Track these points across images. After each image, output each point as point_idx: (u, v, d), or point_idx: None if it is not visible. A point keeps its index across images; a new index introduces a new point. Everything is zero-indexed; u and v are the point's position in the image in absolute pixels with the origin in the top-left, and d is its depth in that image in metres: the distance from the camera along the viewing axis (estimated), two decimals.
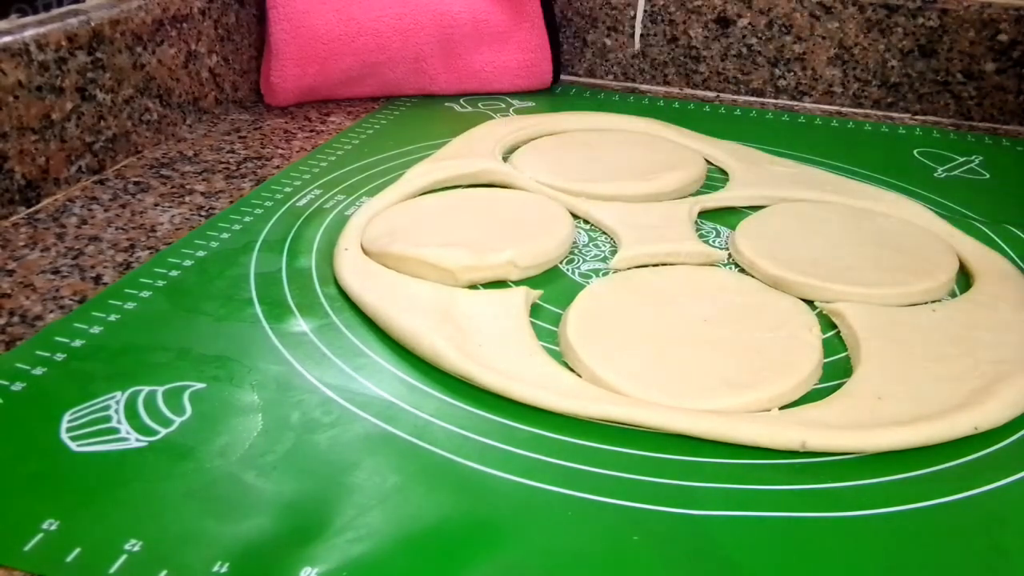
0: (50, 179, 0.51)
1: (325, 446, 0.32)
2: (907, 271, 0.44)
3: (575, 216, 0.51)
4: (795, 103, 0.75)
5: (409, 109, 0.69)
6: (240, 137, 0.62)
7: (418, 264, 0.43)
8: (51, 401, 0.34)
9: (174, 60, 0.60)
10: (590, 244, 0.48)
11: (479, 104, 0.70)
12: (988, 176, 0.60)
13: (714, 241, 0.49)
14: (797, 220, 0.49)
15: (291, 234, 0.48)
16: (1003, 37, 0.69)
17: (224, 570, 0.27)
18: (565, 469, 0.32)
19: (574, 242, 0.48)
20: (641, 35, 0.76)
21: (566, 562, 0.28)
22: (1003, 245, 0.50)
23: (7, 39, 0.47)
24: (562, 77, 0.78)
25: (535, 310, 0.42)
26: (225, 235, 0.47)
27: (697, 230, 0.50)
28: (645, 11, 0.75)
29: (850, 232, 0.48)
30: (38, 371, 0.36)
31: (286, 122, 0.65)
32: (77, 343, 0.38)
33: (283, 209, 0.51)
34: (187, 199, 0.52)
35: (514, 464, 0.32)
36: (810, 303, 0.43)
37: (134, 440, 0.32)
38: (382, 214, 0.48)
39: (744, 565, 0.28)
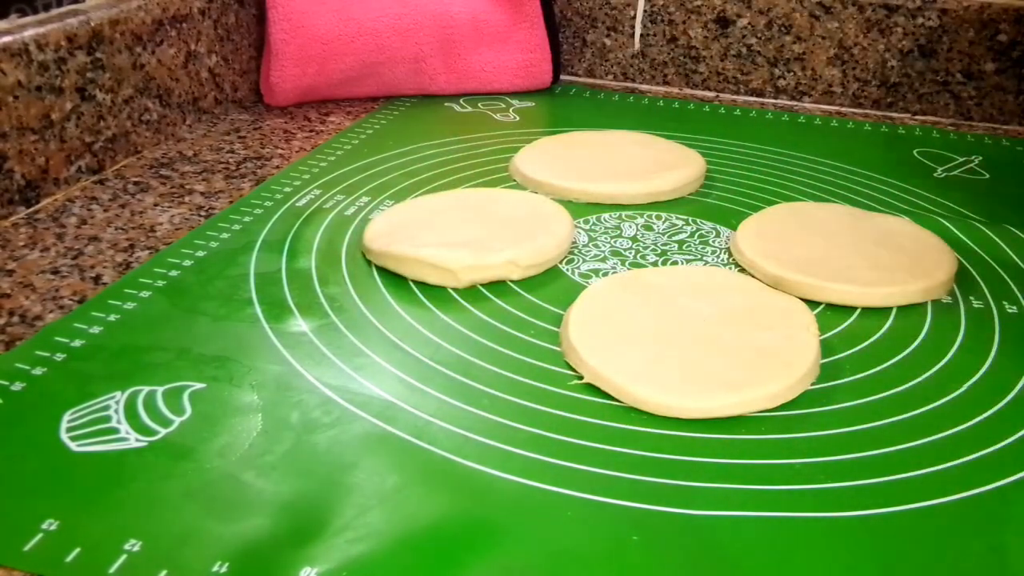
0: (50, 179, 0.51)
1: (325, 446, 0.32)
2: (906, 271, 0.44)
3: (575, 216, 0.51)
4: (795, 103, 0.75)
5: (409, 109, 0.68)
6: (240, 137, 0.62)
7: (419, 265, 0.43)
8: (51, 401, 0.34)
9: (174, 60, 0.60)
10: (590, 244, 0.48)
11: (479, 104, 0.70)
12: (988, 176, 0.60)
13: (714, 241, 0.49)
14: (797, 220, 0.49)
15: (291, 234, 0.48)
16: (1003, 37, 0.69)
17: (224, 570, 0.27)
18: (565, 469, 0.32)
19: (574, 242, 0.48)
20: (641, 35, 0.76)
21: (566, 562, 0.28)
22: (1003, 245, 0.50)
23: (7, 39, 0.47)
24: (562, 77, 0.78)
25: (536, 310, 0.42)
26: (225, 235, 0.47)
27: (697, 230, 0.50)
28: (645, 11, 0.75)
29: (850, 232, 0.48)
30: (38, 371, 0.36)
31: (286, 122, 0.65)
32: (77, 343, 0.38)
33: (283, 209, 0.51)
34: (187, 199, 0.52)
35: (514, 464, 0.32)
36: (810, 303, 0.43)
37: (134, 440, 0.32)
38: (383, 214, 0.48)
39: (744, 565, 0.28)
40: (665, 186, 0.54)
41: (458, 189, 0.52)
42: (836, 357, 0.39)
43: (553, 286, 0.44)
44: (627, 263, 0.46)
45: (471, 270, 0.43)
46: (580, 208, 0.52)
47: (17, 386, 0.35)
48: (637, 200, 0.53)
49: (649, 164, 0.56)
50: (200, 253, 0.45)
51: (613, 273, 0.45)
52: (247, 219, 0.49)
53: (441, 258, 0.43)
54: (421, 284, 0.44)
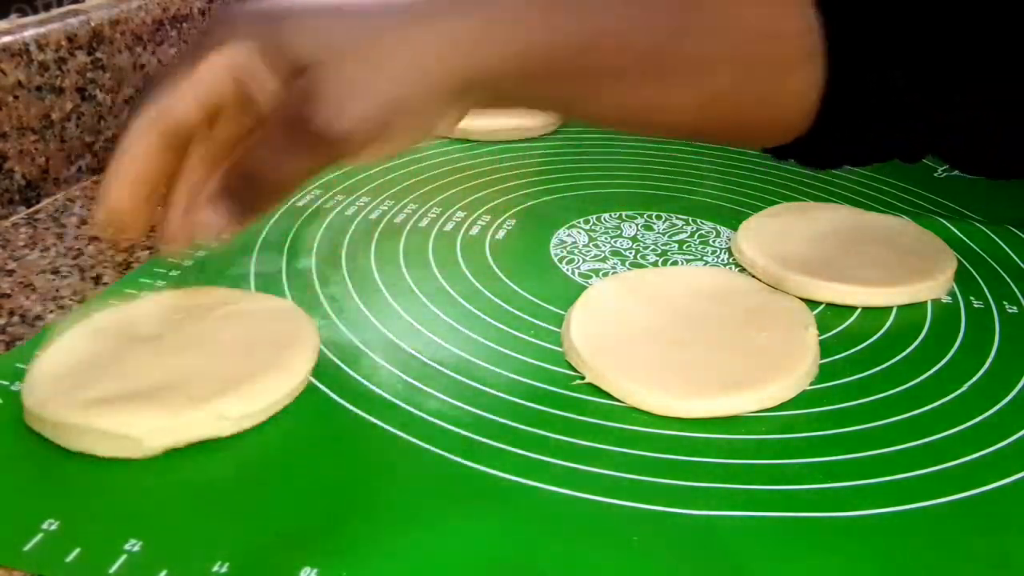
0: (50, 179, 0.51)
1: (325, 446, 0.32)
2: (907, 270, 0.44)
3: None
4: None
5: None
6: None
7: (84, 435, 0.31)
8: None
9: (174, 60, 0.60)
10: (590, 244, 0.48)
11: None
12: None
13: (714, 241, 0.49)
14: (798, 220, 0.49)
15: (291, 234, 0.48)
16: None
17: (224, 570, 0.27)
18: (566, 469, 0.32)
19: (574, 241, 0.48)
20: None
21: (566, 562, 0.28)
22: (1003, 245, 0.50)
23: (7, 39, 0.47)
24: None
25: (536, 310, 0.42)
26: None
27: (697, 230, 0.50)
28: None
29: (850, 232, 0.48)
30: None
31: None
32: None
33: (283, 209, 0.51)
34: None
35: (514, 464, 0.32)
36: (810, 302, 0.43)
37: None
38: (57, 343, 0.35)
39: (745, 565, 0.28)
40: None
41: (172, 291, 0.41)
42: (836, 357, 0.39)
43: (553, 286, 0.44)
44: (627, 263, 0.46)
45: (164, 433, 0.31)
46: (580, 208, 0.52)
47: (17, 386, 0.34)
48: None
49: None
50: (200, 253, 0.45)
51: (613, 273, 0.45)
52: None
53: (117, 422, 0.31)
54: (421, 284, 0.43)
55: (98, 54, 0.53)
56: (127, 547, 0.28)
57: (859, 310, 0.43)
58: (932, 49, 0.34)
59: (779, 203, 0.52)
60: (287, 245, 0.47)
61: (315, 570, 0.27)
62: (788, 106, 0.36)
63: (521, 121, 0.63)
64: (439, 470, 0.32)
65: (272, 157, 0.30)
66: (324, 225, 0.49)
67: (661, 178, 0.58)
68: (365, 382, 0.36)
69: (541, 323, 0.41)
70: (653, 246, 0.48)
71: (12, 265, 0.44)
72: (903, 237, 0.48)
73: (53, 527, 0.28)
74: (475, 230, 0.49)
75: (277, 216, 0.50)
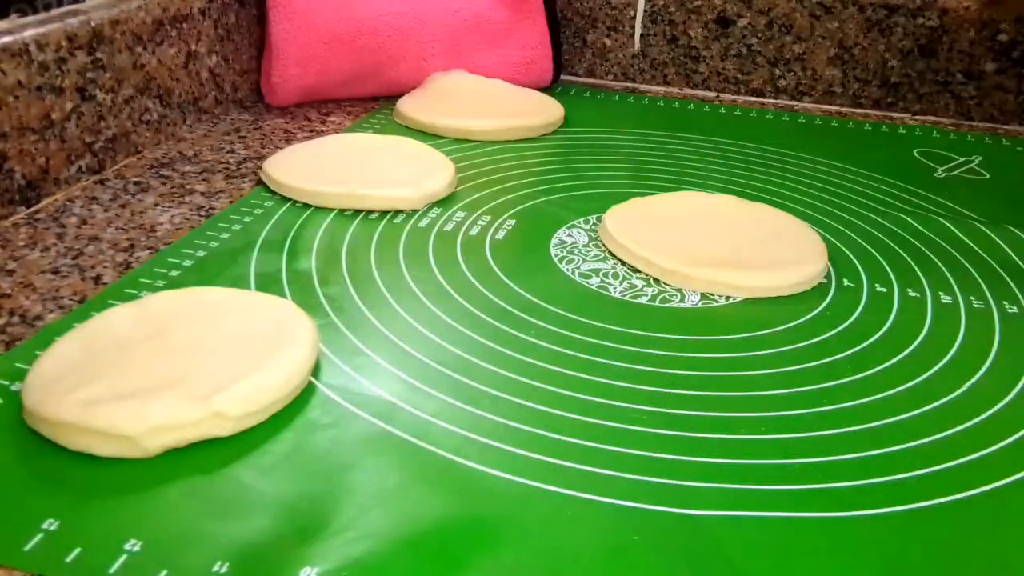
0: (50, 179, 0.51)
1: (325, 446, 0.32)
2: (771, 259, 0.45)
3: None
4: (795, 103, 0.75)
5: None
6: (240, 137, 0.62)
7: (83, 434, 0.31)
8: None
9: (174, 60, 0.60)
10: (590, 244, 0.48)
11: None
12: (988, 176, 0.60)
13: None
14: (662, 210, 0.50)
15: (291, 234, 0.48)
16: (1003, 37, 0.69)
17: (224, 570, 0.27)
18: (565, 469, 0.32)
19: (574, 241, 0.48)
20: (641, 35, 0.76)
21: (566, 562, 0.28)
22: (1003, 245, 0.50)
23: (7, 39, 0.47)
24: (562, 77, 0.78)
25: (536, 310, 0.42)
26: (225, 235, 0.47)
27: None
28: (645, 11, 0.75)
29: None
30: None
31: (286, 122, 0.65)
32: None
33: (283, 209, 0.51)
34: (187, 199, 0.52)
35: (514, 464, 0.32)
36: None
37: None
38: (61, 343, 0.35)
39: (744, 565, 0.28)
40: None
41: (162, 293, 0.39)
42: (837, 357, 0.39)
43: (553, 286, 0.44)
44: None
45: (163, 431, 0.31)
46: (580, 208, 0.52)
47: (17, 386, 0.35)
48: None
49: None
50: (200, 253, 0.45)
51: (613, 274, 0.45)
52: (247, 219, 0.49)
53: (114, 420, 0.31)
54: (422, 286, 0.44)
55: (98, 54, 0.53)
56: (127, 547, 0.28)
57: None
58: None
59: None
60: (287, 245, 0.47)
61: (315, 570, 0.27)
62: None
63: (521, 121, 0.63)
64: (439, 470, 0.32)
65: None
66: (324, 225, 0.49)
67: (661, 178, 0.58)
68: (364, 382, 0.36)
69: (541, 323, 0.41)
70: None
71: (12, 265, 0.44)
72: (772, 225, 0.49)
73: (53, 527, 0.28)
74: (475, 230, 0.49)
75: (277, 216, 0.50)
